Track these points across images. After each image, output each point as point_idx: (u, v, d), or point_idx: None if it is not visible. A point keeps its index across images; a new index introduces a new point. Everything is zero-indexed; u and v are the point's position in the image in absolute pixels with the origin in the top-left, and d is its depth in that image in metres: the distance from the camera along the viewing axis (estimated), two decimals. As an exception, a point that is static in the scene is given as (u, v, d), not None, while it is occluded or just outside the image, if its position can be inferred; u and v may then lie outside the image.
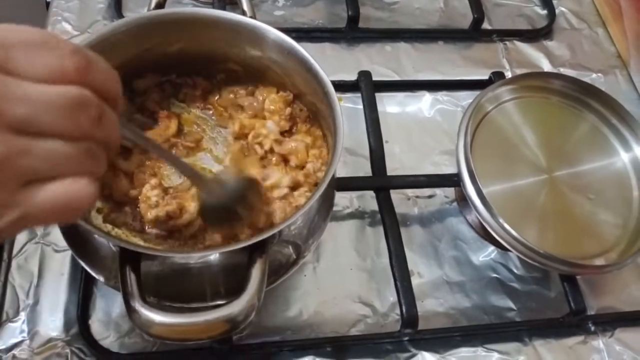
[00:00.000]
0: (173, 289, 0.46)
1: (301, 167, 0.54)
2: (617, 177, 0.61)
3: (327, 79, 0.50)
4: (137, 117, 0.54)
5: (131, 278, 0.39)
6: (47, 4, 0.72)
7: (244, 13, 0.54)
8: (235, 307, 0.38)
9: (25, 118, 0.26)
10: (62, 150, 0.27)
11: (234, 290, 0.40)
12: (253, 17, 0.54)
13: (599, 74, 0.79)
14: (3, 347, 0.50)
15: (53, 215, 0.29)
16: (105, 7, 0.72)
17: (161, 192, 0.49)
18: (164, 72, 0.56)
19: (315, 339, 0.54)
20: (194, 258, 0.44)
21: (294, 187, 0.52)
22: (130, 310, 0.38)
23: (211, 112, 0.57)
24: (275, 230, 0.42)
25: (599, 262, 0.55)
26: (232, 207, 0.45)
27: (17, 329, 0.50)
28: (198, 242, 0.49)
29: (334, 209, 0.57)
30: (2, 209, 0.27)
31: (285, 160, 0.54)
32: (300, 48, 0.51)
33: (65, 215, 0.29)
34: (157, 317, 0.37)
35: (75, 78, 0.28)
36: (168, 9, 0.54)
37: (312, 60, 0.51)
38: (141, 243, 0.48)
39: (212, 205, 0.45)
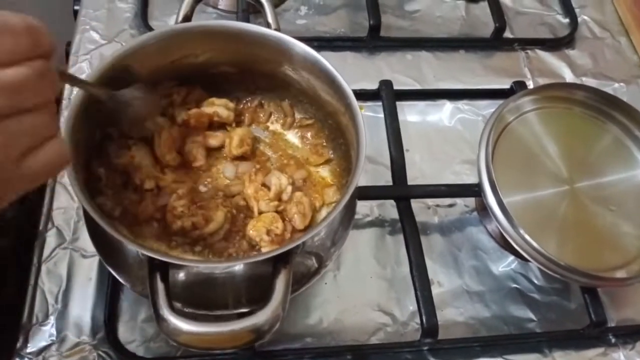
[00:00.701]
0: (197, 297, 0.47)
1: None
2: (639, 189, 0.61)
3: (350, 92, 0.50)
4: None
5: (160, 287, 0.40)
6: (75, 13, 0.74)
7: (268, 25, 0.55)
8: (261, 318, 0.39)
9: (8, 104, 0.30)
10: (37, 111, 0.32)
11: (257, 299, 0.41)
12: (278, 29, 0.54)
13: (622, 84, 0.78)
14: (33, 349, 0.51)
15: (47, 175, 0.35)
16: (132, 17, 0.73)
17: (187, 202, 0.50)
18: (187, 82, 0.57)
19: (336, 346, 0.55)
20: (220, 268, 0.46)
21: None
22: (158, 318, 0.39)
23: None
24: (299, 242, 0.43)
25: (620, 274, 0.55)
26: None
27: (46, 333, 0.52)
28: (222, 250, 0.50)
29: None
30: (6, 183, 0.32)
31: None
32: (324, 61, 0.52)
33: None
34: (185, 325, 0.38)
35: (29, 54, 0.31)
36: (195, 22, 0.54)
37: (335, 73, 0.51)
38: (167, 251, 0.49)
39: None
